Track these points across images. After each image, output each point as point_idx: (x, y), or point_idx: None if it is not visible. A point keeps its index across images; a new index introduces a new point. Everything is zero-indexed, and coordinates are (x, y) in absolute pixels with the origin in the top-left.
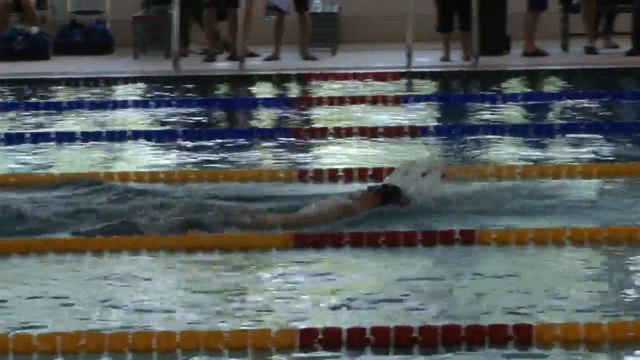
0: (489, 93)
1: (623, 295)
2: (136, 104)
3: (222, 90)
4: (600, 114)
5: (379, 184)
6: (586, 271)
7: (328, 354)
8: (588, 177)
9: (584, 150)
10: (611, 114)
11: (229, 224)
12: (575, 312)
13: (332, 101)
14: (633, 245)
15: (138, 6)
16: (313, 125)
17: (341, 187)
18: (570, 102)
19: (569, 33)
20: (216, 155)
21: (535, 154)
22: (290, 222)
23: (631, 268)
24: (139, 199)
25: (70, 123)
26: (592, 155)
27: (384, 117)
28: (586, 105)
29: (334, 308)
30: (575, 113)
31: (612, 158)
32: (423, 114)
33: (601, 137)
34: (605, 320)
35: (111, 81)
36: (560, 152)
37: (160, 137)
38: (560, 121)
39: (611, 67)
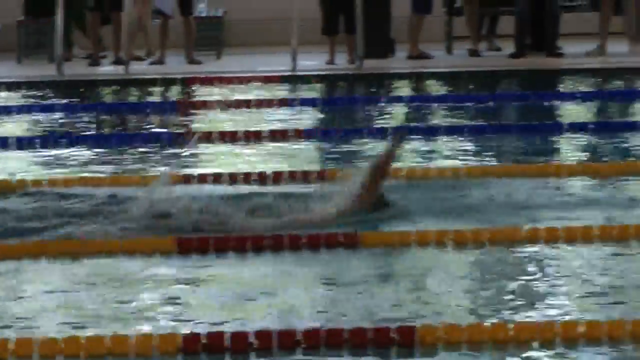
0: (374, 96)
1: (505, 297)
2: (19, 110)
3: (107, 94)
4: (484, 115)
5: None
6: (468, 273)
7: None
8: (471, 178)
9: (469, 151)
10: (495, 115)
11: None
12: (458, 313)
13: (216, 105)
14: (515, 246)
15: (22, 10)
16: (198, 129)
17: (229, 189)
18: (454, 104)
19: (452, 36)
20: (97, 159)
21: (421, 155)
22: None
23: (509, 269)
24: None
25: None
26: (476, 157)
27: (269, 120)
28: (470, 107)
29: (221, 311)
30: (459, 115)
31: (494, 159)
32: (308, 117)
33: (485, 138)
34: (489, 322)
35: None
36: (445, 153)
37: (44, 143)
38: (444, 123)
39: (494, 70)
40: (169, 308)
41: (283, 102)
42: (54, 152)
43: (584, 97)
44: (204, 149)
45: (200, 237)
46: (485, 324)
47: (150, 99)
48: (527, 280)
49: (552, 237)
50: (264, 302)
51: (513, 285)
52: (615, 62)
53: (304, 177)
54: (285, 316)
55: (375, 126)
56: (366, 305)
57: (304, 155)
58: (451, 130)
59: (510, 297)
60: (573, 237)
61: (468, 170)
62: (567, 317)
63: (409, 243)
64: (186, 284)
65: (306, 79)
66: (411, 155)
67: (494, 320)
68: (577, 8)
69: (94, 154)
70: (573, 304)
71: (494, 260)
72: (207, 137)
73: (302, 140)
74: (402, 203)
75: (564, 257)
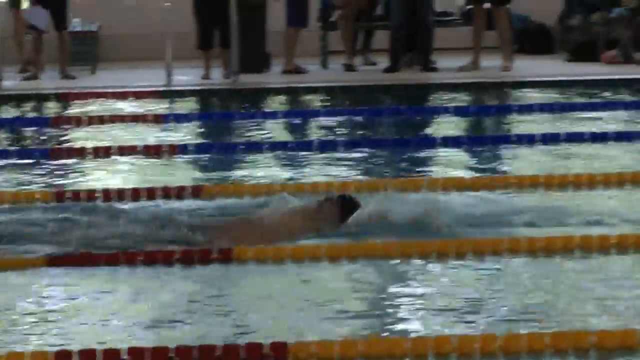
0: (249, 111)
1: (386, 311)
2: None
3: None
4: (359, 130)
5: (335, 194)
6: (343, 287)
7: None
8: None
9: (343, 165)
10: (370, 130)
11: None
12: (331, 329)
13: (91, 120)
14: (381, 260)
15: None
16: (71, 145)
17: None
18: (329, 118)
19: (327, 50)
20: None
21: (296, 170)
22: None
23: (380, 283)
24: None
25: None
26: (351, 171)
27: (143, 135)
28: (345, 121)
29: (97, 327)
30: (334, 130)
31: (368, 173)
32: (183, 133)
33: (360, 153)
34: (361, 337)
35: None
36: (319, 167)
37: None
38: (320, 138)
39: (369, 84)
40: (42, 325)
41: (158, 117)
42: None
43: (457, 112)
44: (77, 164)
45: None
46: (357, 339)
47: (24, 114)
48: (396, 295)
49: (423, 253)
50: (137, 319)
51: (384, 299)
52: (489, 77)
53: (178, 192)
54: (159, 332)
55: (250, 141)
56: (239, 322)
57: (179, 170)
58: (325, 145)
59: (381, 311)
60: (444, 251)
61: (341, 185)
62: (440, 333)
63: (283, 258)
64: (59, 299)
65: (181, 94)
66: (285, 169)
67: (367, 335)
68: (450, 23)
69: None
70: (438, 319)
71: (365, 274)
72: (81, 153)
73: (177, 155)
74: None
75: (430, 272)
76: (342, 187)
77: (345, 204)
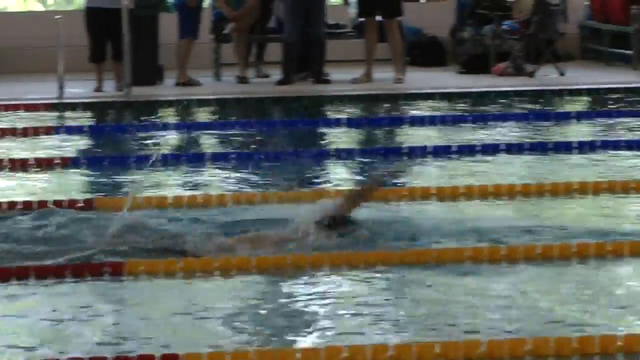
0: (142, 123)
1: (276, 323)
2: None
3: None
4: (252, 143)
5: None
6: (243, 300)
7: None
8: (235, 204)
9: (236, 178)
10: (263, 142)
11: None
12: (224, 341)
13: None
14: (291, 272)
15: None
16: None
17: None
18: (222, 131)
19: (220, 63)
20: None
21: (189, 182)
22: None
23: (280, 295)
24: None
25: None
26: (242, 184)
27: (35, 148)
28: (238, 134)
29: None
30: (227, 142)
31: (261, 186)
32: (75, 145)
33: (253, 165)
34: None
35: None
36: (211, 180)
37: None
38: (213, 150)
39: (262, 97)
40: None
41: (49, 130)
42: None
43: (350, 124)
44: None
45: None
46: (248, 349)
47: None
48: (303, 306)
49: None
50: (23, 333)
51: (275, 311)
52: (381, 89)
53: (70, 205)
54: (51, 345)
55: (142, 154)
56: (131, 335)
57: (70, 183)
58: (218, 157)
59: (272, 323)
60: (337, 263)
61: (235, 196)
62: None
63: (174, 272)
64: None
65: (73, 107)
66: (178, 181)
67: (257, 346)
68: (342, 35)
69: None
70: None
71: (260, 287)
72: None
73: (69, 168)
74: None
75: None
76: (234, 199)
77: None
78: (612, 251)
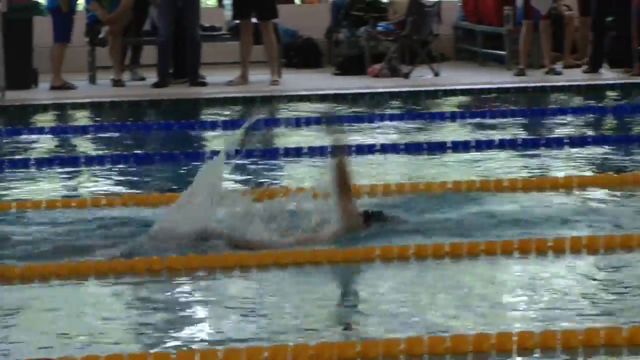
0: (16, 127)
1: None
2: None
3: None
4: (128, 145)
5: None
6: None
7: None
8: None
9: (113, 180)
10: (139, 145)
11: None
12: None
13: None
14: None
15: None
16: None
17: None
18: (98, 134)
19: (96, 66)
20: None
21: (64, 185)
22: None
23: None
24: None
25: None
26: (121, 186)
27: None
28: (114, 137)
29: None
30: (103, 145)
31: (139, 188)
32: None
33: (129, 168)
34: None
35: None
36: (87, 184)
37: None
38: (88, 153)
39: (138, 99)
40: None
41: None
42: None
43: (226, 126)
44: None
45: None
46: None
47: None
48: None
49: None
50: None
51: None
52: (257, 91)
53: None
54: None
55: (16, 158)
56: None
57: None
58: (93, 160)
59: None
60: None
61: (107, 200)
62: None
63: (49, 275)
64: None
65: None
66: (51, 185)
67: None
68: (218, 38)
69: None
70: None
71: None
72: None
73: None
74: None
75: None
76: (109, 203)
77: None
78: (485, 250)
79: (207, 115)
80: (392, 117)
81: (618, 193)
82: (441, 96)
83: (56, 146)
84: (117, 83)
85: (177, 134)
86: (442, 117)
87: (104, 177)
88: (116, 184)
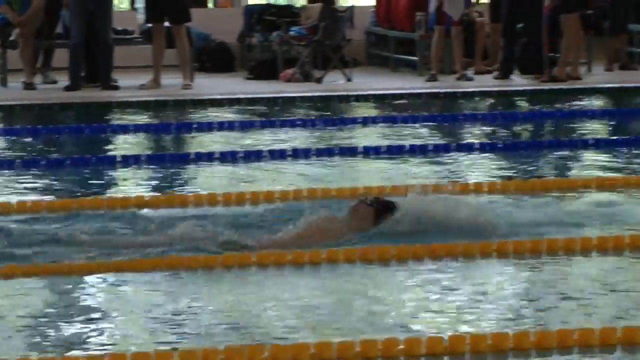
0: None
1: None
2: None
3: None
4: (39, 149)
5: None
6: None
7: None
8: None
9: (21, 184)
10: (50, 149)
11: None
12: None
13: None
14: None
15: None
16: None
17: None
18: (7, 138)
19: (7, 69)
20: None
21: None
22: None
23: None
24: None
25: None
26: (30, 191)
27: None
28: (24, 141)
29: None
30: (12, 149)
31: (52, 193)
32: None
33: (39, 172)
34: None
35: None
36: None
37: None
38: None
39: (50, 103)
40: None
41: None
42: None
43: (137, 129)
44: None
45: None
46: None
47: None
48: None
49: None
50: None
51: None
52: (169, 95)
53: None
54: None
55: None
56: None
57: None
58: (4, 164)
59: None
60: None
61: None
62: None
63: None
64: None
65: None
66: None
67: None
68: (130, 41)
69: None
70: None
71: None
72: None
73: None
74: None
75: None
76: (19, 208)
77: (380, 207)
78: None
79: (119, 119)
80: (304, 122)
81: (527, 198)
82: (353, 101)
83: None
84: (29, 86)
85: (89, 137)
86: (354, 122)
87: (13, 182)
88: (25, 189)
